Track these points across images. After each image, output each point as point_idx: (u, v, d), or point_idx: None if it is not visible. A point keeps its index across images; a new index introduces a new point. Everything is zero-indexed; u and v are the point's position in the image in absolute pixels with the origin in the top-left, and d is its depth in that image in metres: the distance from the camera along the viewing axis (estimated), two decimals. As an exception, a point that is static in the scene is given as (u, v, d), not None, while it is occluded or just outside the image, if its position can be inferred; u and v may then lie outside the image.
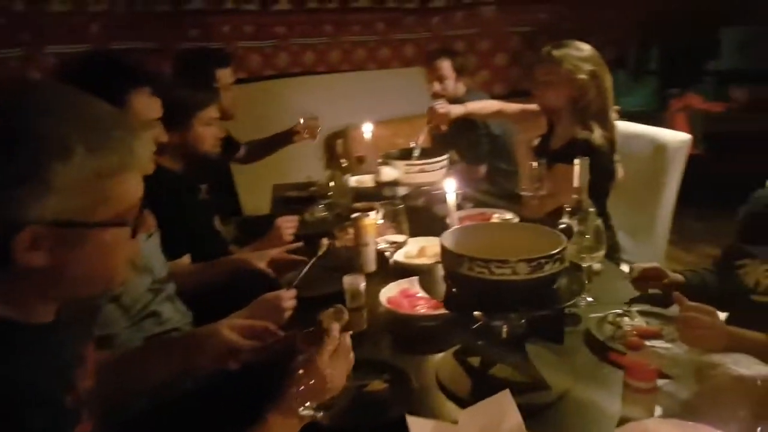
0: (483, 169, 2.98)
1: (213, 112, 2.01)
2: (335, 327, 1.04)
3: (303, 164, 3.19)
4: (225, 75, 2.62)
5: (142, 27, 3.42)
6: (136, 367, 1.14)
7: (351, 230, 1.92)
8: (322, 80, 4.09)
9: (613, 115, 2.10)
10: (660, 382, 1.07)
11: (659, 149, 2.25)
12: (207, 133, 1.98)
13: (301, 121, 2.74)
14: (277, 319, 1.48)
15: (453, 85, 3.01)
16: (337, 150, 2.33)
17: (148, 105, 1.44)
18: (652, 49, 4.59)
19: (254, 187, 3.07)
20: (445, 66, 2.99)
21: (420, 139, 2.75)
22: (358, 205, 1.92)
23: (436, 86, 3.00)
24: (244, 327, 1.14)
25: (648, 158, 2.29)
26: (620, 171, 2.11)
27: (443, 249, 1.16)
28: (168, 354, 1.14)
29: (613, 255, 2.14)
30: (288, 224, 1.73)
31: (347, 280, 1.45)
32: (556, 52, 2.07)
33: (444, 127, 2.71)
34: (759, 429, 0.93)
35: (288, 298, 1.44)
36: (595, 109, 2.02)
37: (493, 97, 3.95)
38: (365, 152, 2.53)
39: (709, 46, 4.47)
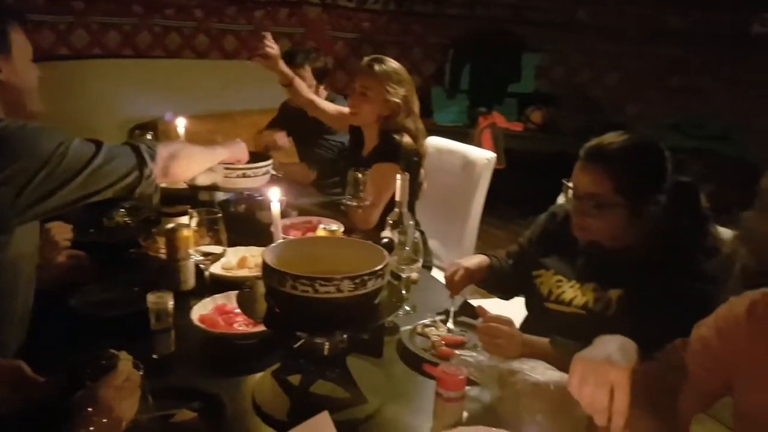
0: (313, 174, 2.90)
1: None
2: (124, 358, 0.94)
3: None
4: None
5: None
6: None
7: (160, 239, 1.75)
8: (127, 65, 3.70)
9: (421, 128, 2.18)
10: (466, 387, 1.12)
11: (468, 165, 2.43)
12: None
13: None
14: (49, 254, 1.42)
15: (315, 93, 2.70)
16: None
17: (26, 45, 1.35)
18: (464, 68, 4.97)
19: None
20: (308, 76, 2.71)
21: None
22: (168, 209, 1.72)
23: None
24: None
25: (459, 173, 2.46)
26: (425, 184, 2.20)
27: (265, 265, 1.10)
28: None
29: (425, 259, 2.25)
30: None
31: (152, 298, 1.30)
32: (377, 68, 2.08)
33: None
34: None
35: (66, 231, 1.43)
36: (403, 126, 2.10)
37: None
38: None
39: (512, 70, 4.97)
